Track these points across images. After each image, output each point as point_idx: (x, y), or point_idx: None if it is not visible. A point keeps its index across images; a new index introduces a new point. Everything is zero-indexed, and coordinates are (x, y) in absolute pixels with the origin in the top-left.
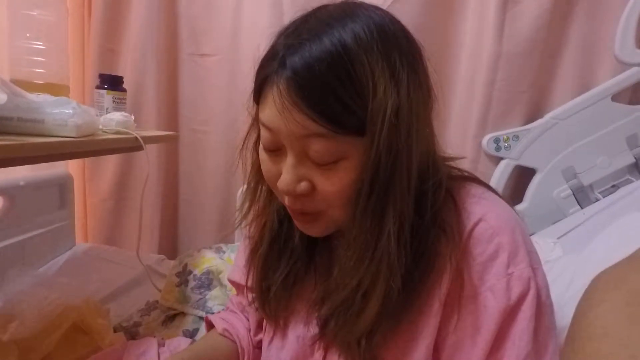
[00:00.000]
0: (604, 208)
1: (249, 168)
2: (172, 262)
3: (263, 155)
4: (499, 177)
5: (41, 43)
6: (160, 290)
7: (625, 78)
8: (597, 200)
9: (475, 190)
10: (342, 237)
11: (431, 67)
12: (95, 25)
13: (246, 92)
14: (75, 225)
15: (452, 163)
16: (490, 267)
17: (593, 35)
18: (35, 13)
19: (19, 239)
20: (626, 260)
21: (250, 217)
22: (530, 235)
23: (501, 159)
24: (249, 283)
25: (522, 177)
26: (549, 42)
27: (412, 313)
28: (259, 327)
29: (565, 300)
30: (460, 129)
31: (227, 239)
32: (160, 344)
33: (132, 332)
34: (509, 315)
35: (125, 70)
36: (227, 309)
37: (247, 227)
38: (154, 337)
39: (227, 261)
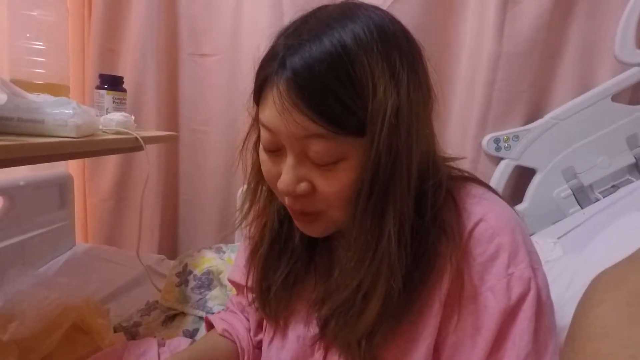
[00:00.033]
0: (604, 208)
1: (249, 168)
2: (172, 262)
3: (263, 155)
4: (499, 177)
5: (41, 43)
6: (160, 291)
7: (625, 78)
8: (597, 200)
9: (476, 190)
10: (342, 237)
11: (431, 67)
12: (96, 26)
13: (246, 92)
14: (75, 225)
15: (452, 163)
16: (490, 267)
17: (593, 36)
18: (35, 13)
19: (19, 239)
20: (626, 260)
21: (250, 217)
22: (530, 235)
23: (501, 159)
24: (249, 283)
25: (522, 177)
26: (549, 42)
27: (413, 313)
28: (259, 327)
29: (565, 300)
30: (460, 129)
31: (227, 239)
32: (161, 344)
33: (132, 332)
34: (509, 315)
35: (125, 70)
36: (227, 309)
37: (248, 227)
38: (154, 337)
39: (227, 261)
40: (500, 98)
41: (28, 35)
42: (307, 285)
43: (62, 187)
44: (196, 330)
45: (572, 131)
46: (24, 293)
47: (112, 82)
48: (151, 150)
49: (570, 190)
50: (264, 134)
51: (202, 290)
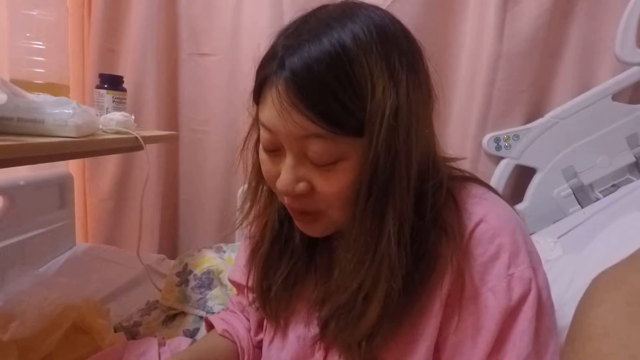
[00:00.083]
0: (604, 207)
1: (249, 168)
2: (172, 262)
3: (263, 155)
4: (499, 176)
5: (41, 43)
6: (160, 290)
7: (625, 77)
8: (598, 199)
9: (476, 190)
10: (342, 237)
11: (431, 67)
12: (95, 25)
13: (246, 92)
14: (76, 225)
15: (453, 163)
16: (491, 267)
17: (593, 35)
18: (35, 13)
19: (19, 238)
20: (626, 260)
21: (251, 217)
22: (531, 234)
23: (501, 158)
24: (250, 283)
25: (523, 176)
26: (549, 42)
27: (413, 314)
28: (260, 327)
29: (565, 300)
30: (461, 128)
31: (227, 238)
32: (161, 344)
33: (132, 332)
34: (510, 316)
35: (125, 70)
36: (227, 309)
37: (248, 227)
38: (155, 336)
39: (228, 261)
40: (501, 98)
41: (28, 35)
42: (308, 285)
43: (62, 187)
44: (196, 330)
45: (573, 130)
46: (24, 293)
47: (112, 82)
48: (151, 150)
49: (570, 189)
50: (263, 133)
51: (203, 290)
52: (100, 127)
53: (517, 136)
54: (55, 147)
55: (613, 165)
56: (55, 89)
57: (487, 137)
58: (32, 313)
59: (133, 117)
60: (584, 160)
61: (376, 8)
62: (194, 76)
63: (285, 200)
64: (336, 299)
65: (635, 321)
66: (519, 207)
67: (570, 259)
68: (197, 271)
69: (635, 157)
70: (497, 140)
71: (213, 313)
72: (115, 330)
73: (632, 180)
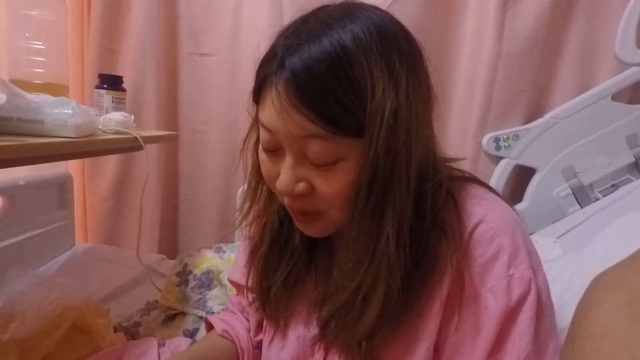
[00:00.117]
0: (603, 207)
1: (249, 168)
2: (172, 262)
3: (262, 155)
4: (498, 176)
5: (40, 43)
6: (160, 290)
7: (625, 77)
8: (597, 199)
9: (476, 191)
10: (342, 238)
11: (431, 68)
12: (95, 25)
13: (246, 92)
14: (75, 225)
15: (452, 164)
16: (490, 268)
17: (593, 35)
18: (34, 13)
19: (19, 238)
20: (626, 260)
21: (250, 217)
22: (530, 234)
23: (501, 158)
24: (250, 283)
25: (522, 176)
26: (549, 42)
27: (413, 315)
28: (259, 328)
29: (565, 300)
30: (460, 128)
31: (227, 238)
32: (161, 344)
33: (132, 332)
34: (510, 316)
35: (125, 70)
36: (227, 309)
37: (248, 227)
38: (154, 336)
39: (227, 261)
40: (500, 98)
41: (27, 34)
42: (308, 285)
43: (61, 187)
44: (196, 330)
45: (572, 130)
46: (23, 293)
47: (111, 82)
48: (151, 150)
49: (570, 189)
50: (263, 133)
51: (202, 290)
52: (100, 127)
53: (516, 136)
54: (55, 147)
55: (613, 165)
56: (54, 89)
57: (486, 137)
58: (32, 313)
59: (133, 117)
60: (584, 160)
61: (376, 8)
62: (194, 76)
63: (285, 201)
64: (335, 299)
65: (635, 321)
66: (519, 207)
67: (570, 259)
68: (197, 271)
69: (635, 157)
70: (496, 140)
71: (213, 313)
72: (115, 330)
73: (631, 180)
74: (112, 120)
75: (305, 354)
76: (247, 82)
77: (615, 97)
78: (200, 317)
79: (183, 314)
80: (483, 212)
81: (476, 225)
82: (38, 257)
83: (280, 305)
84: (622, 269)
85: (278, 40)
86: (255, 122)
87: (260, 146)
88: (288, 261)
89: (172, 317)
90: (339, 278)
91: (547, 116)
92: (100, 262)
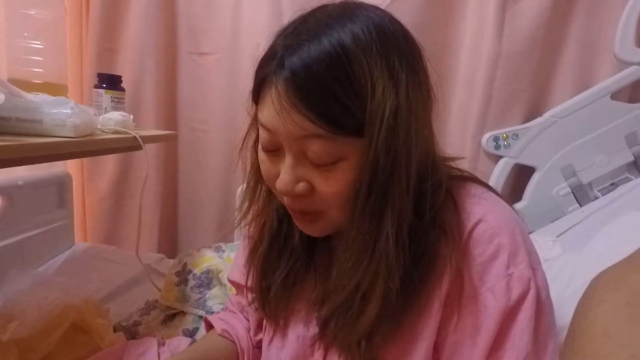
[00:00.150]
0: (603, 206)
1: (248, 167)
2: (171, 261)
3: (262, 155)
4: (498, 175)
5: (39, 42)
6: (159, 290)
7: (624, 76)
8: (596, 198)
9: (475, 190)
10: (341, 237)
11: (431, 67)
12: (94, 24)
13: (245, 91)
14: (74, 224)
15: (452, 163)
16: (490, 267)
17: (592, 34)
18: (32, 12)
19: (18, 238)
20: (626, 260)
21: (249, 216)
22: (530, 233)
23: (500, 157)
24: (249, 283)
25: (522, 175)
26: (549, 41)
27: (412, 314)
28: (259, 327)
29: (564, 299)
30: (460, 128)
31: (226, 238)
32: (160, 344)
33: (131, 332)
34: (509, 315)
35: (124, 69)
36: (226, 308)
37: (247, 226)
38: (154, 336)
39: (227, 260)
40: (500, 97)
41: (26, 34)
42: (307, 285)
43: (60, 187)
44: (196, 330)
45: (572, 129)
46: (23, 293)
47: (110, 81)
48: (150, 149)
49: (569, 188)
50: (262, 133)
51: (202, 290)
52: (99, 126)
53: (516, 135)
54: (54, 147)
55: (612, 164)
56: (53, 88)
57: (486, 136)
58: (32, 313)
59: (132, 116)
60: (583, 159)
61: (375, 8)
62: (193, 75)
63: (285, 201)
64: (335, 298)
65: (635, 321)
66: (518, 206)
67: (570, 257)
68: (197, 271)
69: (634, 156)
70: (496, 139)
71: (212, 312)
72: (115, 330)
73: (630, 179)
74: (111, 119)
75: (305, 354)
76: (247, 81)
77: (615, 96)
78: (200, 317)
79: (183, 313)
80: (482, 212)
81: (475, 225)
82: (37, 257)
83: (279, 305)
84: (621, 269)
85: (277, 40)
86: (254, 121)
87: (260, 146)
88: (287, 261)
89: (172, 316)
90: (338, 277)
91: (547, 115)
92: (100, 262)
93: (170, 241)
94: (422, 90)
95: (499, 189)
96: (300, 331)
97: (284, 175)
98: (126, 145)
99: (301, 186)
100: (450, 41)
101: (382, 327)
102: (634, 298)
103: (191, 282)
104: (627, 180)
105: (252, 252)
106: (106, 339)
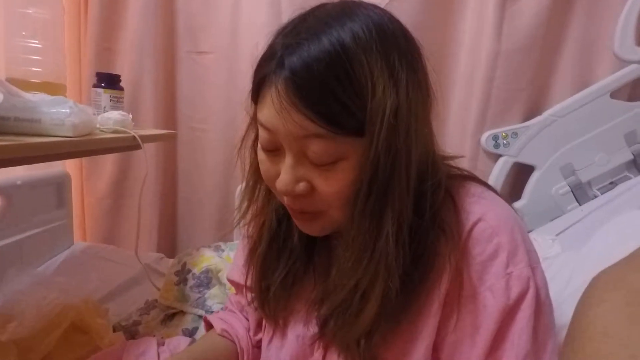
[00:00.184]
0: (602, 205)
1: (247, 167)
2: (171, 261)
3: (261, 155)
4: (497, 174)
5: (37, 41)
6: (159, 289)
7: (623, 75)
8: (596, 197)
9: (475, 189)
10: (341, 237)
11: (430, 67)
12: (92, 23)
13: (245, 90)
14: (74, 224)
15: (451, 162)
16: (489, 266)
17: (592, 33)
18: (30, 11)
19: (17, 238)
20: (626, 259)
21: (248, 216)
22: (529, 232)
23: (500, 156)
24: (248, 283)
25: (521, 174)
26: (548, 40)
27: (412, 313)
28: (259, 327)
29: (563, 298)
30: (459, 126)
31: (226, 237)
32: (160, 344)
33: (131, 331)
34: (508, 314)
35: (123, 68)
36: (226, 308)
37: (246, 226)
38: (154, 336)
39: (226, 260)
40: (499, 96)
41: (24, 33)
42: (306, 284)
43: (59, 186)
44: (195, 329)
45: (571, 128)
46: (22, 293)
47: (109, 81)
48: (149, 148)
49: (568, 187)
50: (262, 133)
51: (201, 289)
52: (98, 126)
53: (515, 134)
54: (52, 147)
55: (611, 163)
56: (52, 88)
57: (485, 135)
58: (31, 313)
59: (131, 116)
60: (582, 158)
61: (374, 7)
62: (192, 74)
63: (285, 201)
64: (334, 298)
65: (635, 321)
66: (517, 204)
67: (569, 256)
68: (196, 270)
69: (633, 155)
70: (495, 138)
71: (212, 312)
72: (114, 330)
73: (629, 178)
74: (110, 119)
75: (304, 353)
76: (246, 80)
77: (614, 94)
78: (200, 316)
79: (182, 313)
80: (482, 211)
81: (475, 224)
82: (36, 257)
83: (279, 305)
84: (621, 269)
85: (276, 39)
86: (253, 121)
87: (259, 146)
88: (286, 261)
89: (171, 316)
90: (338, 276)
91: (546, 114)
92: (99, 262)
93: (170, 241)
94: (421, 90)
95: (498, 187)
96: (300, 331)
97: (284, 175)
98: (125, 145)
99: (301, 186)
100: (449, 40)
101: (382, 326)
102: (633, 298)
103: (190, 282)
104: (626, 178)
105: (251, 252)
106: (105, 338)
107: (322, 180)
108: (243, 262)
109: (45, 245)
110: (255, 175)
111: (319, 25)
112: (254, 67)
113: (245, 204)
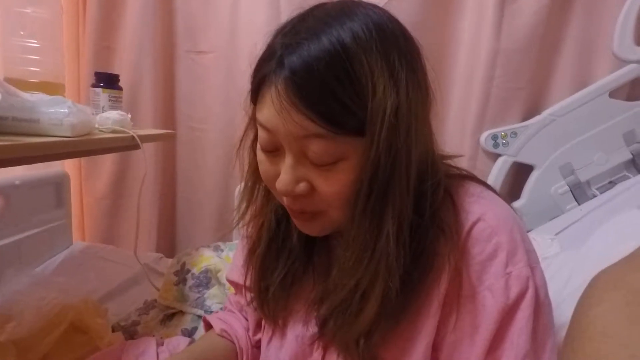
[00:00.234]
0: (601, 204)
1: (246, 167)
2: (170, 261)
3: (261, 155)
4: (496, 173)
5: (35, 41)
6: (158, 289)
7: (622, 74)
8: (595, 196)
9: (474, 189)
10: (340, 237)
11: (429, 66)
12: (91, 23)
13: (244, 90)
14: (72, 224)
15: (450, 161)
16: (488, 266)
17: (591, 32)
18: (29, 10)
19: (16, 238)
20: (625, 259)
21: (247, 216)
22: (528, 231)
23: (499, 155)
24: (248, 283)
25: (520, 173)
26: (547, 39)
27: (411, 313)
28: (258, 327)
29: (563, 297)
30: (459, 126)
31: (225, 237)
32: (159, 344)
33: (130, 331)
34: (508, 314)
35: (121, 68)
36: (225, 308)
37: (245, 226)
38: (153, 336)
39: (226, 260)
40: (499, 95)
41: (22, 32)
42: (306, 285)
43: (58, 186)
44: (195, 329)
45: (570, 128)
46: (21, 293)
47: (108, 80)
48: (148, 148)
49: (567, 186)
50: (261, 133)
51: (201, 289)
52: (96, 126)
53: (514, 133)
54: (51, 147)
55: (610, 162)
56: (50, 87)
57: (484, 135)
58: (30, 313)
59: (129, 115)
60: (581, 157)
61: (374, 6)
62: (191, 74)
63: (285, 201)
64: (334, 297)
65: (635, 321)
66: (517, 204)
67: (568, 256)
68: (195, 270)
69: (632, 154)
70: (494, 137)
71: (211, 312)
72: (113, 330)
73: (628, 177)
74: (109, 119)
75: (304, 353)
76: (245, 79)
77: (613, 94)
78: (199, 316)
79: (181, 313)
80: (481, 211)
81: (474, 224)
82: (35, 257)
83: (278, 305)
84: (621, 268)
85: (276, 39)
86: (252, 121)
87: (259, 146)
88: (286, 261)
89: (171, 316)
90: (338, 276)
91: (545, 113)
92: (98, 261)
93: (169, 240)
94: (421, 89)
95: (497, 187)
96: (299, 331)
97: (284, 175)
98: (124, 145)
99: (301, 186)
100: (448, 39)
101: (381, 326)
102: (633, 298)
103: (190, 282)
104: (625, 178)
105: (251, 253)
106: (105, 339)
107: (322, 181)
108: (242, 262)
109: (44, 245)
110: (254, 175)
111: (318, 25)
112: (253, 67)
113: (244, 205)
